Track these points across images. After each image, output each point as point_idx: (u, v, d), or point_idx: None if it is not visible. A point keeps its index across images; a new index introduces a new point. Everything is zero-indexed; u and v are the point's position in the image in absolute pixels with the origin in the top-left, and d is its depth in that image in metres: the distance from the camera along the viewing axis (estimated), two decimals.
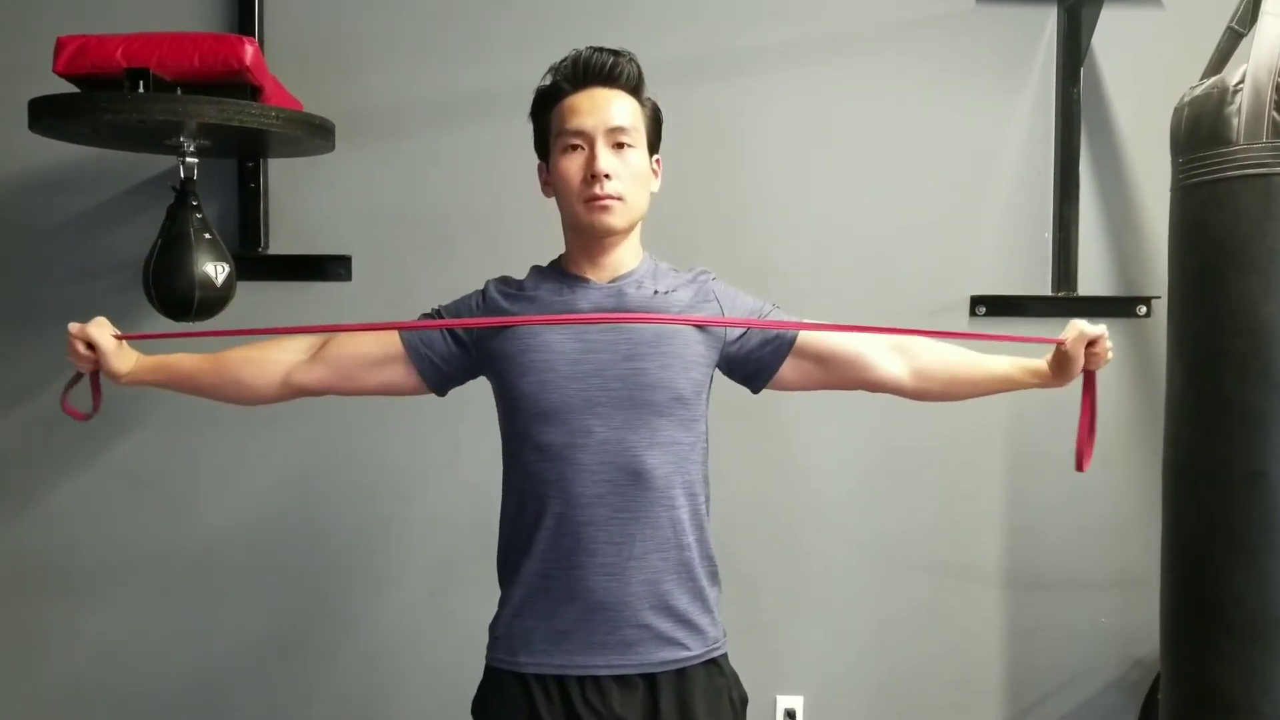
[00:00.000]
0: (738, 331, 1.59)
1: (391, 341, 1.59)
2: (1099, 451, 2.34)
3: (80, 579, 2.35)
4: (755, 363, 1.60)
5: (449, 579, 2.33)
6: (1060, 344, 1.56)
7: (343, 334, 1.62)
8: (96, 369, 1.58)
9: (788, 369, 1.61)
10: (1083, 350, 1.55)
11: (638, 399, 1.50)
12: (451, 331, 1.58)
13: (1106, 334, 1.56)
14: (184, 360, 1.62)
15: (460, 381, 1.63)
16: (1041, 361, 1.61)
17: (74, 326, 1.54)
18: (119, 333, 1.57)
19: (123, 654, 2.35)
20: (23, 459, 2.34)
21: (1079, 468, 1.62)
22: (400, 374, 1.60)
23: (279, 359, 1.61)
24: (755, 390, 1.65)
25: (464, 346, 1.58)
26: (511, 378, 1.53)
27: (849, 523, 2.39)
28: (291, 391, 1.62)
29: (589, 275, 1.58)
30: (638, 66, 1.56)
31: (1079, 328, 1.55)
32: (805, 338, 1.59)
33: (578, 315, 1.53)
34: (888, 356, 1.62)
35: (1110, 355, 1.58)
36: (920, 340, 1.64)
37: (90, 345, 1.54)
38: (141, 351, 1.63)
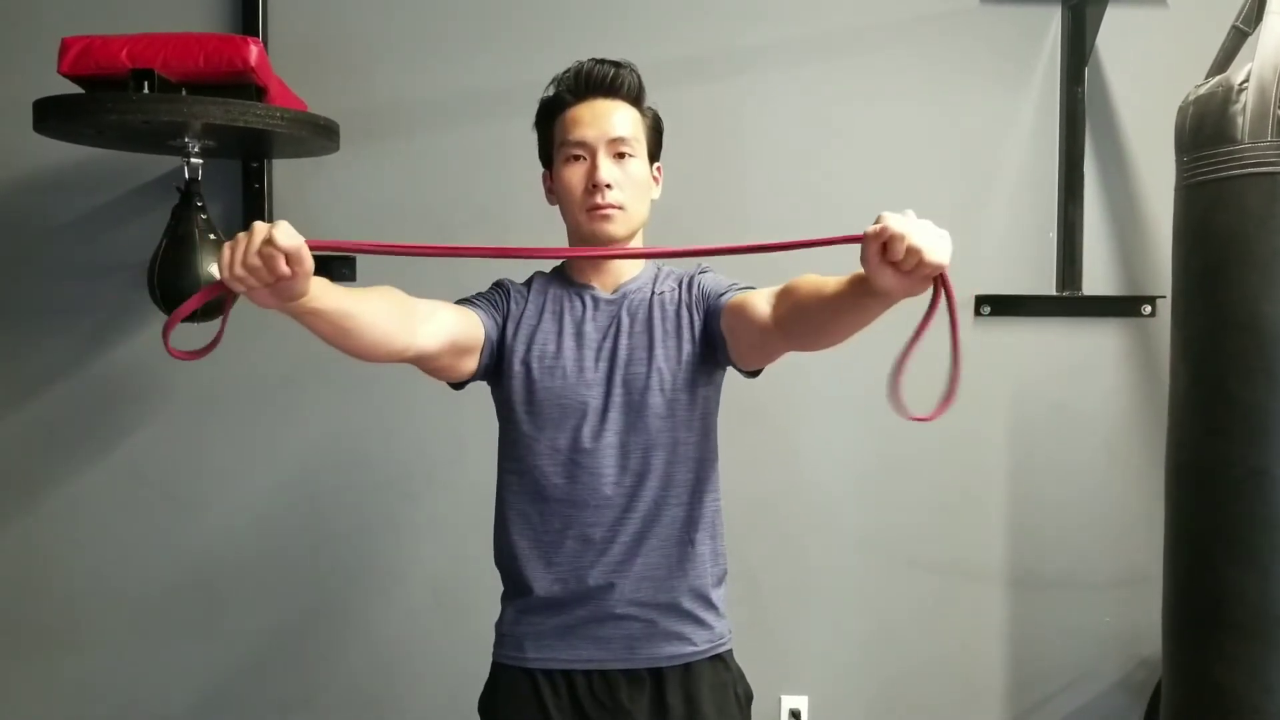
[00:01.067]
0: (700, 317, 1.55)
1: (480, 333, 1.53)
2: (1102, 449, 2.37)
3: (85, 577, 2.35)
4: (712, 337, 1.54)
5: (455, 578, 2.34)
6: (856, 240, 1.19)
7: (449, 307, 1.51)
8: (238, 292, 1.19)
9: (733, 339, 1.50)
10: (877, 255, 1.15)
11: (642, 401, 1.52)
12: (500, 331, 1.56)
13: (898, 229, 1.14)
14: (331, 293, 1.30)
15: (479, 377, 1.59)
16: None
17: (279, 234, 1.13)
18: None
19: (126, 654, 2.36)
20: (27, 457, 2.34)
21: (908, 414, 1.26)
22: (469, 364, 1.54)
23: (417, 319, 1.43)
24: (743, 372, 1.58)
25: (502, 337, 1.56)
26: (518, 382, 1.54)
27: (853, 522, 2.39)
28: (411, 357, 1.45)
29: (593, 283, 1.59)
30: (638, 77, 1.58)
31: (869, 227, 1.17)
32: (729, 300, 1.51)
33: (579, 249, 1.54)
34: (764, 303, 1.43)
35: (931, 256, 1.14)
36: (803, 279, 1.39)
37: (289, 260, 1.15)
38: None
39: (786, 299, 1.39)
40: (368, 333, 1.35)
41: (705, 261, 1.65)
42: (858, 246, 1.17)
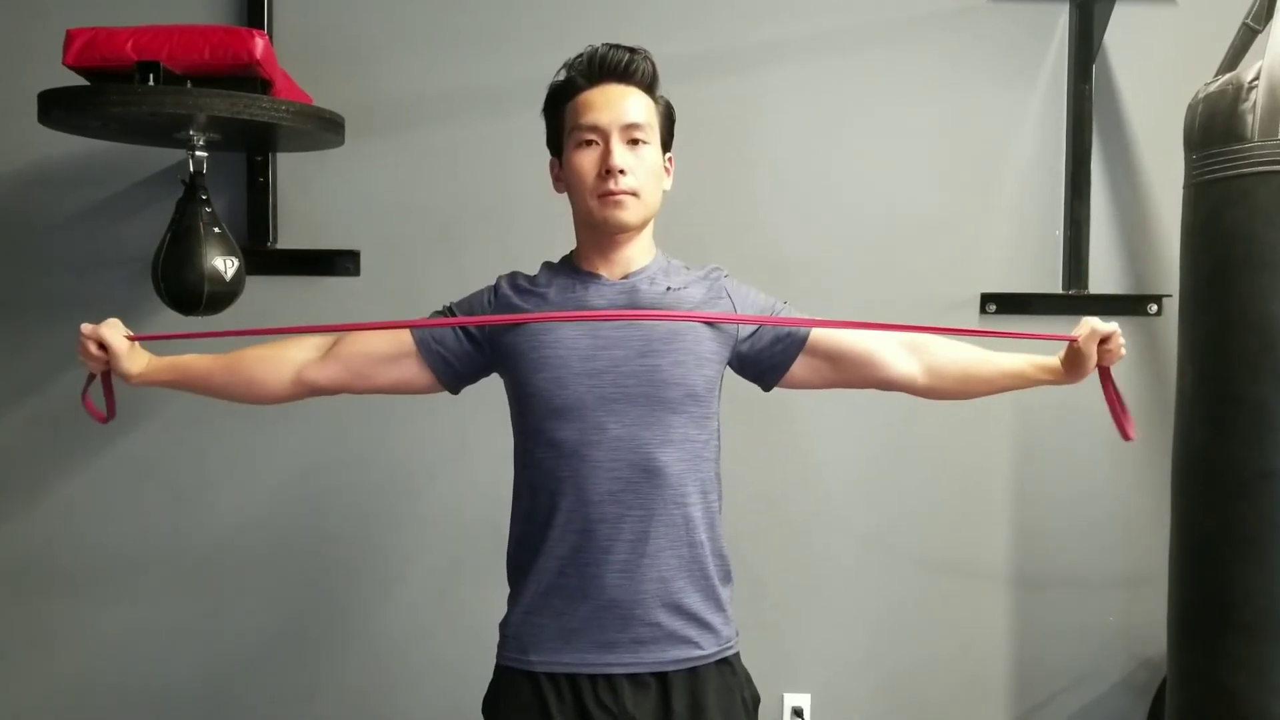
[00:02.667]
0: (750, 329, 1.58)
1: (404, 339, 1.58)
2: (1107, 448, 2.36)
3: (87, 574, 2.35)
4: (767, 361, 1.60)
5: (458, 576, 2.33)
6: (1073, 341, 1.55)
7: (355, 332, 1.61)
8: (108, 370, 1.57)
9: (799, 367, 1.60)
10: (1095, 347, 1.53)
11: (651, 396, 1.50)
12: (464, 328, 1.57)
13: (1119, 331, 1.54)
14: (196, 361, 1.61)
15: (474, 379, 1.62)
16: (1055, 359, 1.60)
17: (86, 327, 1.54)
18: (131, 334, 1.56)
19: (130, 649, 2.36)
20: (30, 453, 2.34)
21: (1126, 437, 1.61)
22: (413, 372, 1.60)
23: (291, 357, 1.60)
24: (766, 388, 1.64)
25: (477, 343, 1.58)
26: (524, 374, 1.52)
27: (857, 520, 2.39)
28: (304, 390, 1.61)
29: (601, 271, 1.57)
30: (653, 64, 1.56)
31: (1091, 325, 1.53)
32: (817, 336, 1.59)
33: (590, 313, 1.52)
34: (900, 355, 1.61)
35: (1124, 352, 1.56)
36: (932, 338, 1.63)
37: (102, 346, 1.54)
38: (153, 352, 1.62)
39: (934, 356, 1.62)
40: (236, 388, 1.61)
41: (720, 262, 1.66)
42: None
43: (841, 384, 1.64)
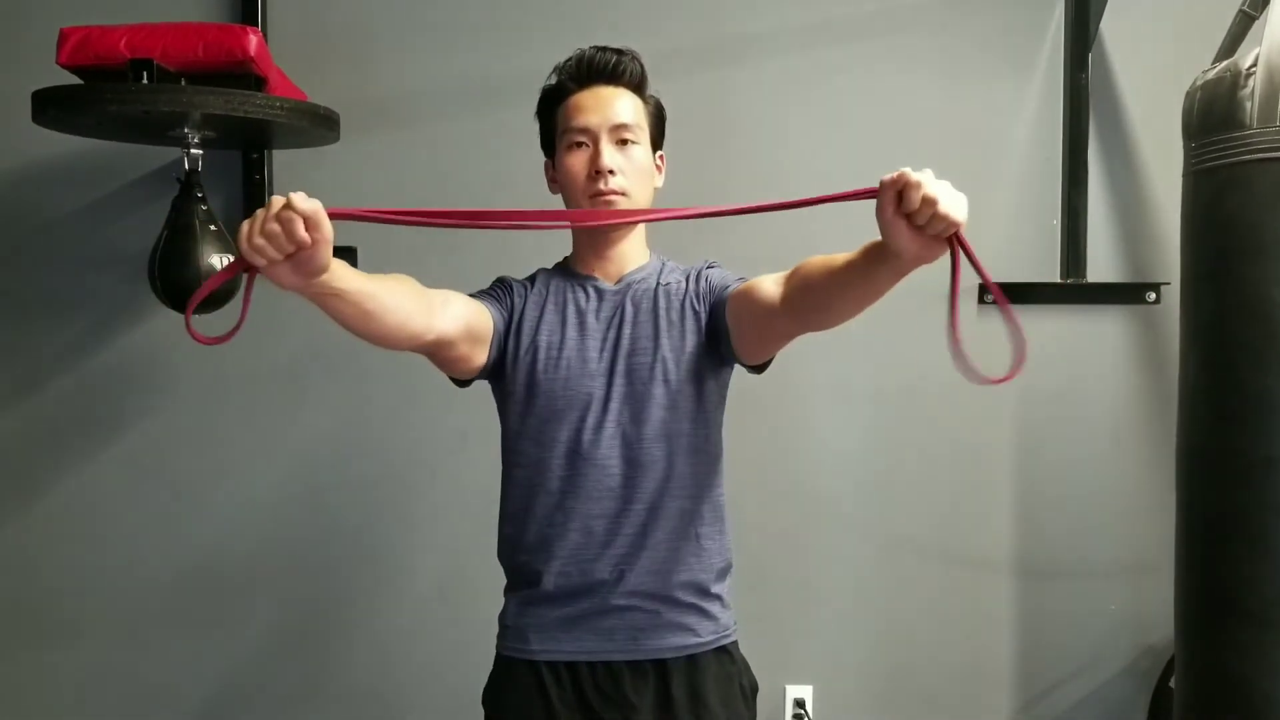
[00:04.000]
0: (706, 312, 1.54)
1: (490, 324, 1.52)
2: (1110, 436, 2.36)
3: (88, 571, 2.35)
4: (717, 329, 1.53)
5: (458, 569, 2.33)
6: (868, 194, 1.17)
7: (462, 298, 1.50)
8: (260, 266, 1.16)
9: (739, 329, 1.49)
10: (890, 210, 1.13)
11: (645, 392, 1.51)
12: (506, 325, 1.55)
13: (909, 175, 1.11)
14: (351, 275, 1.29)
15: (486, 371, 1.58)
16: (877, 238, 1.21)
17: (298, 199, 1.12)
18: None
19: (130, 646, 2.36)
20: (29, 451, 2.34)
21: (953, 341, 1.20)
22: (479, 356, 1.52)
23: (434, 307, 1.42)
24: (748, 367, 1.56)
25: (507, 330, 1.55)
26: (518, 372, 1.53)
27: (858, 511, 2.39)
28: (428, 346, 1.44)
29: (597, 274, 1.59)
30: (641, 65, 1.57)
31: (884, 179, 1.14)
32: (733, 289, 1.50)
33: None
34: (771, 286, 1.42)
35: (946, 209, 1.10)
36: (810, 259, 1.38)
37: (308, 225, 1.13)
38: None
39: (794, 278, 1.39)
40: (390, 315, 1.34)
41: (713, 254, 1.64)
42: (866, 230, 1.17)
43: (773, 332, 1.47)
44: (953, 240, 1.15)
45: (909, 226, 1.12)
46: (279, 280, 1.17)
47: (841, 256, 1.29)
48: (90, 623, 2.36)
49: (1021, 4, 2.34)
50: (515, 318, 1.56)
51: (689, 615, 1.54)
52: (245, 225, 1.14)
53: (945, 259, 1.18)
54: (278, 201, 1.12)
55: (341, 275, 1.25)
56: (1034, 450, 2.39)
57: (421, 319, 1.39)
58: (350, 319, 1.31)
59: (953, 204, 1.10)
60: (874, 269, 1.23)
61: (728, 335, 1.51)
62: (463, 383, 1.60)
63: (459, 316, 1.46)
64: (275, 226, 1.11)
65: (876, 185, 1.13)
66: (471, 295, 1.56)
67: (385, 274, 1.38)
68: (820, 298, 1.35)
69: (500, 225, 1.32)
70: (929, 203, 1.09)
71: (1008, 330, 1.19)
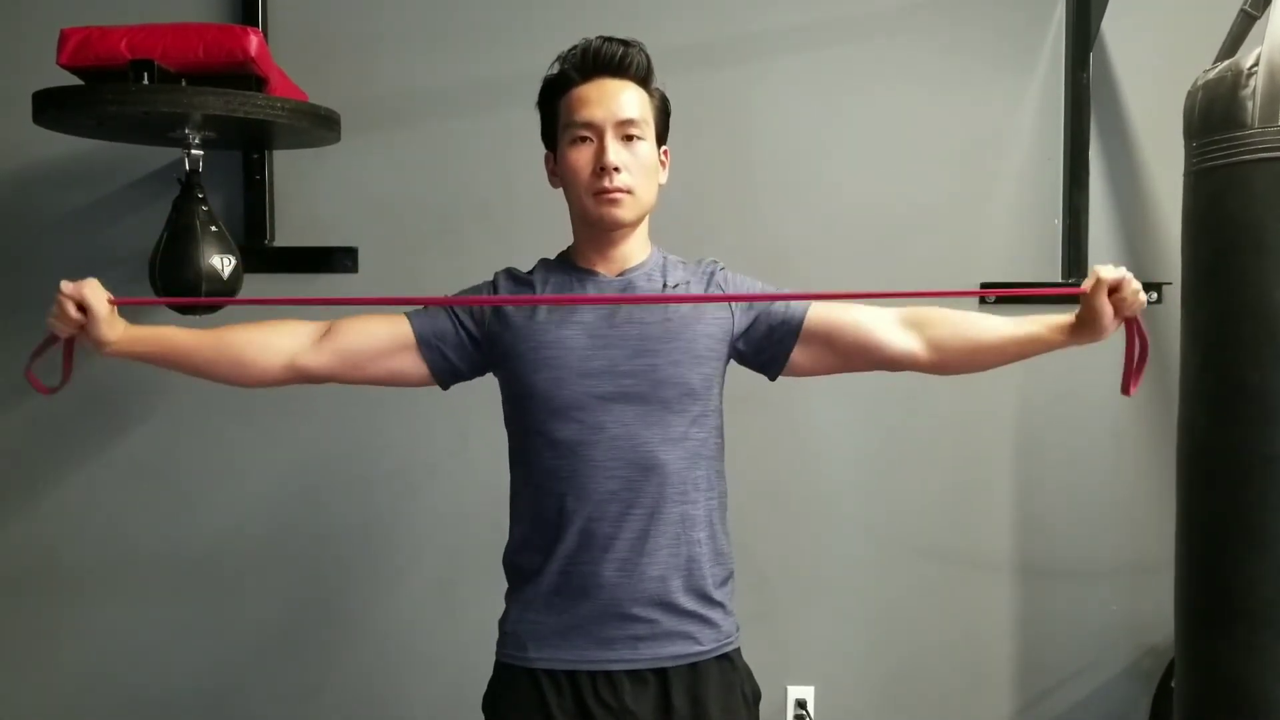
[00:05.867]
0: (746, 322, 1.56)
1: (403, 331, 1.56)
2: (1110, 436, 2.36)
3: (87, 573, 2.35)
4: (766, 351, 1.58)
5: (458, 572, 2.33)
6: (1080, 293, 1.44)
7: (351, 320, 1.57)
8: (75, 335, 1.46)
9: (799, 355, 1.57)
10: (1104, 298, 1.41)
11: (650, 395, 1.49)
12: (463, 325, 1.56)
13: (1129, 276, 1.41)
14: (179, 334, 1.50)
15: (468, 377, 1.60)
16: (1069, 316, 1.49)
17: (67, 286, 1.41)
18: (112, 297, 1.45)
19: (131, 646, 2.36)
20: (29, 452, 2.34)
21: (1125, 390, 1.51)
22: (409, 364, 1.57)
23: (284, 342, 1.54)
24: (771, 377, 1.62)
25: (475, 342, 1.56)
26: (523, 374, 1.51)
27: (859, 512, 2.39)
28: (295, 376, 1.55)
29: (598, 268, 1.56)
30: (647, 57, 1.54)
31: (1097, 274, 1.42)
32: (812, 321, 1.55)
33: (594, 296, 1.52)
34: (897, 332, 1.55)
35: (1144, 298, 1.43)
36: (932, 309, 1.56)
37: (80, 308, 1.42)
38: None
39: (936, 329, 1.54)
40: (221, 367, 1.52)
41: (718, 253, 1.65)
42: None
43: (844, 368, 1.60)
44: (1129, 322, 1.46)
45: (1115, 313, 1.42)
46: (92, 346, 1.45)
47: (1011, 327, 1.52)
48: (91, 622, 2.35)
49: (1023, 3, 2.33)
50: (504, 317, 1.54)
51: (690, 623, 1.52)
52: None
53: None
54: (62, 286, 1.42)
55: (168, 340, 1.49)
56: (1035, 451, 2.38)
57: (259, 366, 1.53)
58: (191, 370, 1.53)
59: (1142, 293, 1.43)
60: (1054, 341, 1.50)
61: (783, 354, 1.56)
62: (443, 385, 1.61)
63: (332, 348, 1.54)
64: (56, 308, 1.43)
65: (1080, 286, 1.43)
66: (416, 314, 1.57)
67: (248, 325, 1.53)
68: (977, 358, 1.55)
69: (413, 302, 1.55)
70: (1137, 294, 1.42)
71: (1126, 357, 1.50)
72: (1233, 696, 1.79)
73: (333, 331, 1.55)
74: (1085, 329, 1.45)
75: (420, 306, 1.58)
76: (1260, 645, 1.76)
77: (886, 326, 1.55)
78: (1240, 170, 1.75)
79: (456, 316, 1.56)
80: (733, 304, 1.56)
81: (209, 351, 1.51)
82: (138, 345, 1.48)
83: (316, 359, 1.54)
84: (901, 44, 2.33)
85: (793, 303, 1.57)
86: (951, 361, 1.55)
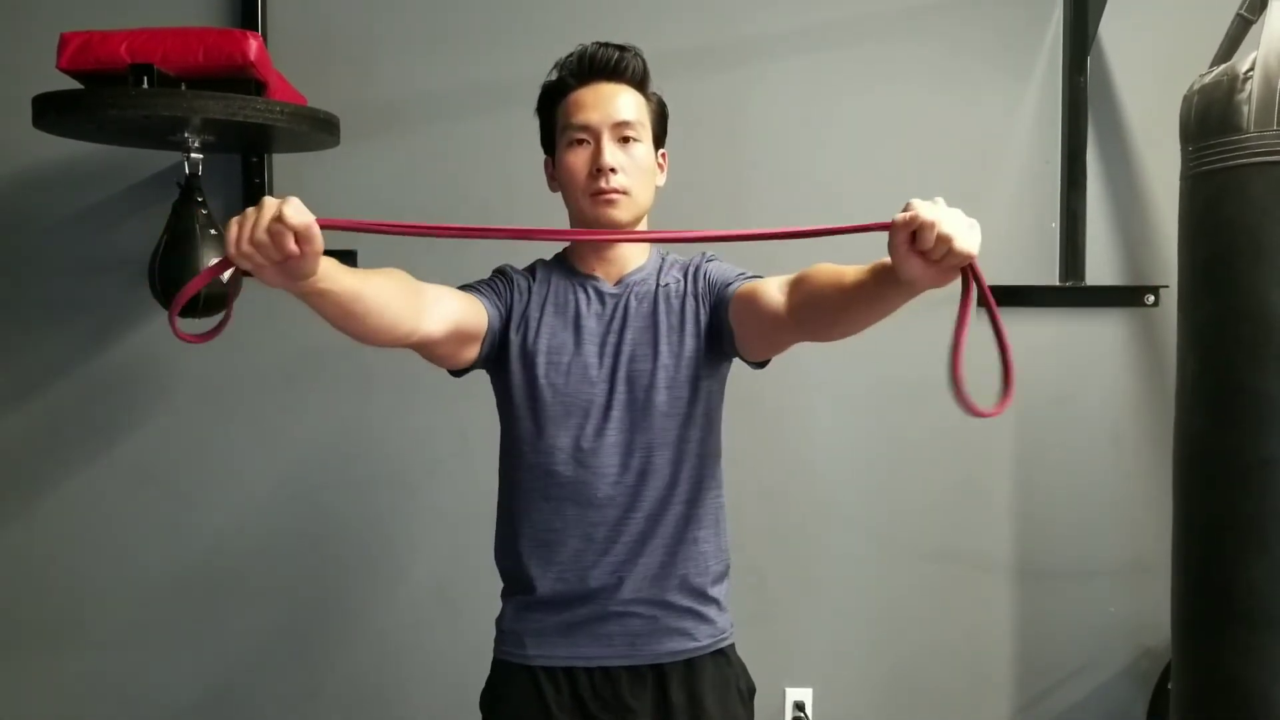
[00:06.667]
0: (708, 309, 1.53)
1: (482, 322, 1.50)
2: (1108, 438, 2.36)
3: (88, 574, 2.35)
4: (719, 327, 1.52)
5: (457, 571, 2.33)
6: (885, 228, 1.15)
7: (452, 292, 1.47)
8: (260, 269, 1.14)
9: (741, 331, 1.48)
10: (905, 243, 1.11)
11: (646, 398, 1.49)
12: (503, 321, 1.53)
13: (928, 217, 1.09)
14: (344, 276, 1.25)
15: (479, 365, 1.56)
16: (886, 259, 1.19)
17: (288, 211, 1.09)
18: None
19: (131, 648, 2.36)
20: (30, 455, 2.34)
21: (962, 401, 1.19)
22: (469, 352, 1.50)
23: (424, 305, 1.39)
24: (750, 363, 1.56)
25: (504, 327, 1.53)
26: (518, 374, 1.52)
27: (858, 513, 2.39)
28: (414, 343, 1.42)
29: (596, 272, 1.57)
30: (643, 61, 1.55)
31: (909, 207, 1.12)
32: (737, 290, 1.49)
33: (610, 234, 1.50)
34: (775, 292, 1.41)
35: (961, 245, 1.09)
36: (824, 266, 1.36)
37: (297, 239, 1.11)
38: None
39: (801, 288, 1.37)
40: (375, 316, 1.31)
41: (711, 249, 1.63)
42: (869, 235, 1.16)
43: (777, 337, 1.47)
44: (965, 270, 1.13)
45: (922, 259, 1.10)
46: (265, 280, 1.15)
47: (851, 273, 1.27)
48: (91, 624, 2.36)
49: (1020, 7, 2.34)
50: (517, 313, 1.54)
51: (686, 620, 1.53)
52: (234, 226, 1.10)
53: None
54: (269, 206, 1.09)
55: (331, 275, 1.21)
56: (1033, 452, 2.39)
57: (408, 321, 1.36)
58: (336, 318, 1.28)
59: (966, 238, 1.09)
60: (885, 290, 1.21)
61: (731, 334, 1.49)
62: (457, 372, 1.57)
63: (447, 316, 1.43)
64: (265, 237, 1.09)
65: (888, 221, 1.13)
66: (468, 287, 1.53)
67: (378, 270, 1.35)
68: (828, 313, 1.34)
69: (498, 237, 1.29)
70: (943, 240, 1.08)
71: (1001, 365, 1.20)
72: (1230, 697, 1.79)
73: (444, 303, 1.44)
74: (902, 271, 1.14)
75: (479, 292, 1.52)
76: (1257, 646, 1.76)
77: (769, 287, 1.42)
78: (1237, 174, 1.76)
79: (501, 311, 1.53)
80: (699, 294, 1.53)
81: (370, 300, 1.29)
82: (323, 281, 1.20)
83: (439, 329, 1.42)
84: (899, 47, 2.34)
85: (732, 278, 1.52)
86: (807, 320, 1.37)
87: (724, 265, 1.57)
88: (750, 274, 1.52)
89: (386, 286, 1.33)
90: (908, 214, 1.10)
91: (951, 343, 1.15)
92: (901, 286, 1.17)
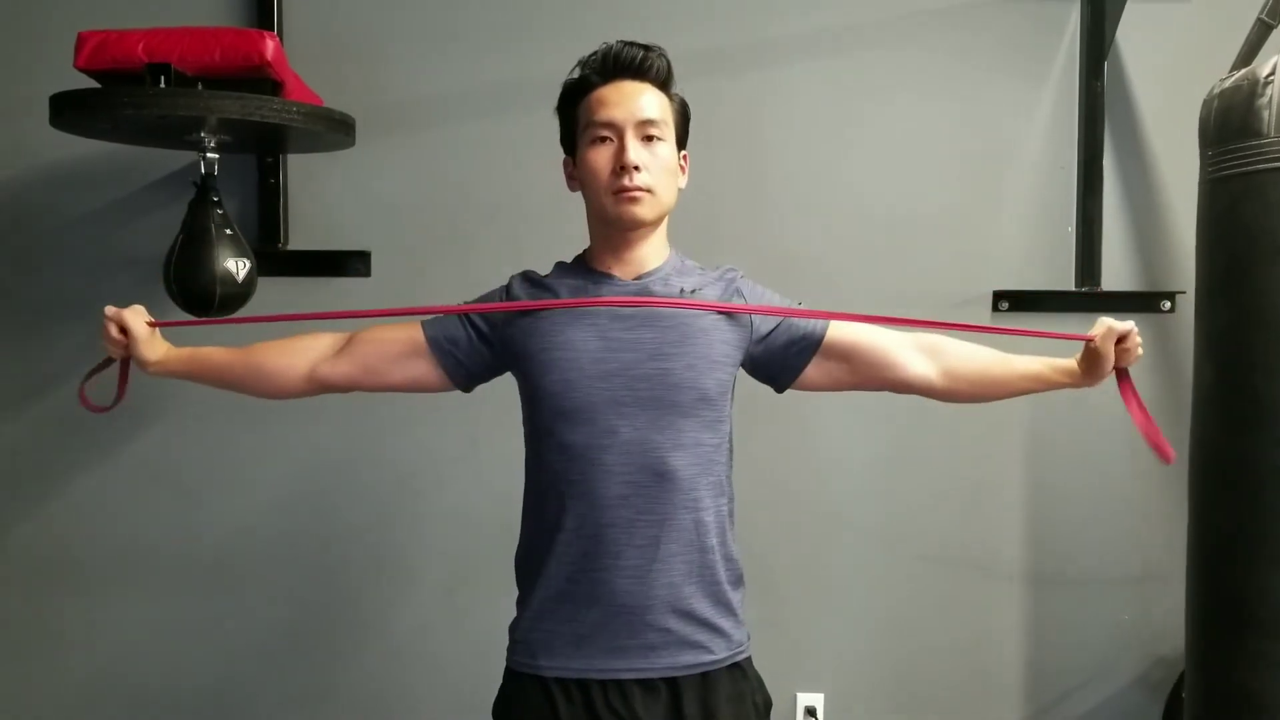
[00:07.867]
0: (764, 331, 1.56)
1: (416, 337, 1.58)
2: (1121, 443, 2.35)
3: (98, 573, 2.36)
4: (780, 363, 1.58)
5: (467, 576, 2.33)
6: (1089, 340, 1.55)
7: (368, 330, 1.61)
8: (127, 356, 1.59)
9: (813, 370, 1.59)
10: (1112, 347, 1.53)
11: (663, 399, 1.48)
12: (475, 327, 1.56)
13: (1135, 329, 1.55)
14: (213, 353, 1.62)
15: (485, 378, 1.61)
16: (1071, 360, 1.60)
17: (110, 310, 1.55)
18: (153, 319, 1.58)
19: (140, 648, 2.36)
20: (42, 452, 2.35)
21: (1166, 460, 1.59)
22: (425, 369, 1.59)
23: (306, 354, 1.60)
24: (779, 389, 1.63)
25: (488, 342, 1.57)
26: (535, 376, 1.51)
27: (869, 519, 2.38)
28: (317, 386, 1.61)
29: (614, 271, 1.56)
30: (667, 61, 1.54)
31: (1107, 324, 1.53)
32: (832, 338, 1.57)
33: (603, 299, 1.51)
34: (915, 357, 1.60)
35: (1141, 351, 1.57)
36: (948, 339, 1.61)
37: (124, 330, 1.55)
38: (171, 342, 1.62)
39: (949, 358, 1.60)
40: (251, 383, 1.62)
41: (732, 259, 1.66)
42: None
43: (855, 386, 1.64)
44: (1121, 375, 1.60)
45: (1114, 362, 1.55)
46: (140, 366, 1.59)
47: (1021, 362, 1.61)
48: (100, 623, 2.36)
49: (1037, 11, 2.33)
50: (520, 321, 1.54)
51: (702, 632, 1.52)
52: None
53: None
54: (107, 310, 1.56)
55: (203, 359, 1.61)
56: (1046, 458, 2.38)
57: (286, 378, 1.60)
58: (219, 386, 1.66)
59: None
60: (1046, 383, 1.62)
61: (791, 371, 1.59)
62: (464, 389, 1.63)
63: (349, 360, 1.60)
64: (102, 330, 1.56)
65: (1088, 334, 1.55)
66: (430, 320, 1.60)
67: (271, 342, 1.61)
68: (987, 389, 1.63)
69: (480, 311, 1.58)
70: (1138, 345, 1.56)
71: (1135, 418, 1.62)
72: (1244, 707, 1.78)
73: (351, 342, 1.61)
74: (1086, 374, 1.58)
75: (434, 320, 1.60)
76: (1272, 655, 1.75)
77: (904, 350, 1.60)
78: (1256, 179, 1.75)
79: (469, 320, 1.57)
80: (736, 320, 1.56)
81: (240, 368, 1.61)
82: (177, 365, 1.61)
83: (336, 369, 1.60)
84: (916, 52, 2.33)
85: (809, 324, 1.59)
86: (959, 391, 1.62)
87: (772, 293, 1.62)
88: (822, 317, 1.60)
89: (264, 356, 1.61)
90: (1126, 325, 1.54)
91: (1141, 421, 1.61)
92: (1067, 382, 1.61)
